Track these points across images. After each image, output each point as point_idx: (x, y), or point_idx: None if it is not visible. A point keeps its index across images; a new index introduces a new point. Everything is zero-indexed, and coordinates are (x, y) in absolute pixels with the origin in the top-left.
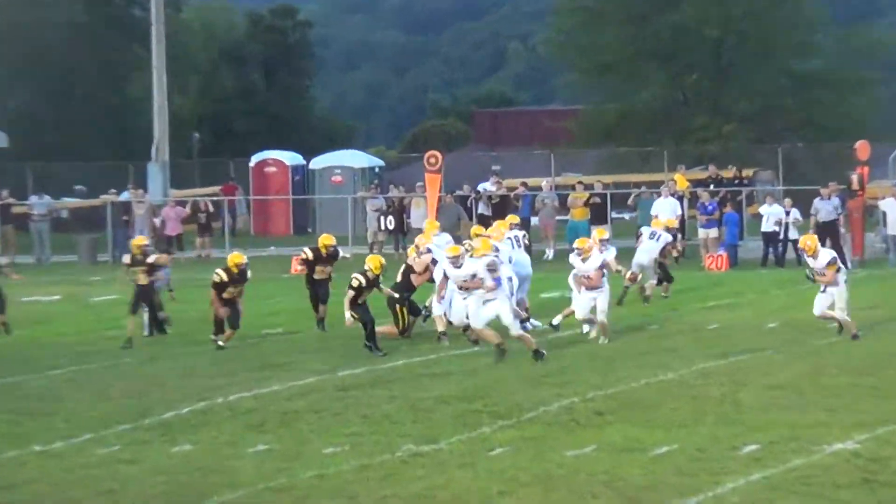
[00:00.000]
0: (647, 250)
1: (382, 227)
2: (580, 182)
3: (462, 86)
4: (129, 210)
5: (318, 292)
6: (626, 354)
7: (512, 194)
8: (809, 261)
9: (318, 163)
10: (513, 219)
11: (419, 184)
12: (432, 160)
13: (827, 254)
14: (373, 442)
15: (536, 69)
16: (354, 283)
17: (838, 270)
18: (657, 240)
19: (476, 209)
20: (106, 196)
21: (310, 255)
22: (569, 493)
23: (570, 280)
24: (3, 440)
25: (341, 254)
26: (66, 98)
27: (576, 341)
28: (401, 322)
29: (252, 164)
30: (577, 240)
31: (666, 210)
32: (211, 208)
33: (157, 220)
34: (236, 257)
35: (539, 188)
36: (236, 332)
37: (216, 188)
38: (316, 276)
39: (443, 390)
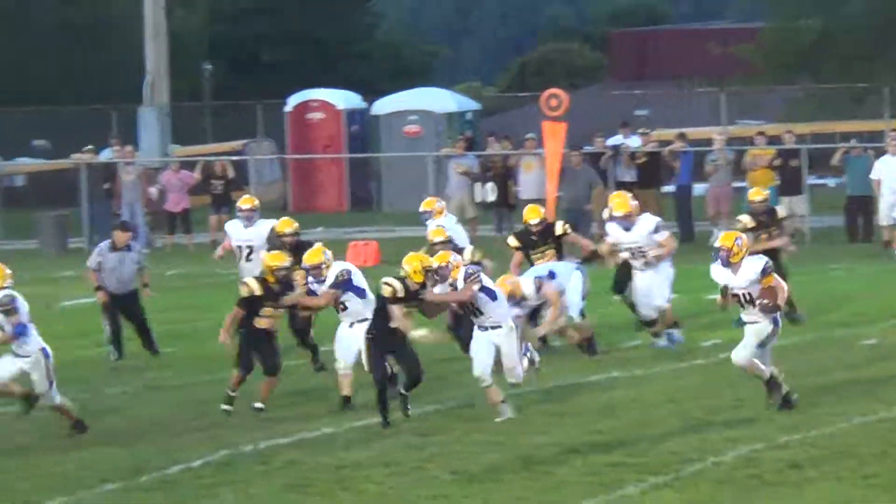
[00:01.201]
0: None
1: (478, 199)
2: (761, 133)
3: None
4: (113, 176)
5: (255, 351)
6: (832, 382)
7: (665, 150)
8: (721, 275)
9: (383, 106)
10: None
11: (530, 136)
12: (553, 102)
13: (756, 263)
14: None
15: None
16: (386, 291)
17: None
18: None
19: (615, 172)
20: (79, 156)
21: (255, 287)
22: None
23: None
24: None
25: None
26: (14, 20)
27: None
28: None
29: (289, 108)
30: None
31: (893, 174)
32: (230, 173)
33: (152, 190)
34: (275, 258)
35: (707, 142)
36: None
37: (238, 143)
38: (258, 325)
39: (567, 435)
